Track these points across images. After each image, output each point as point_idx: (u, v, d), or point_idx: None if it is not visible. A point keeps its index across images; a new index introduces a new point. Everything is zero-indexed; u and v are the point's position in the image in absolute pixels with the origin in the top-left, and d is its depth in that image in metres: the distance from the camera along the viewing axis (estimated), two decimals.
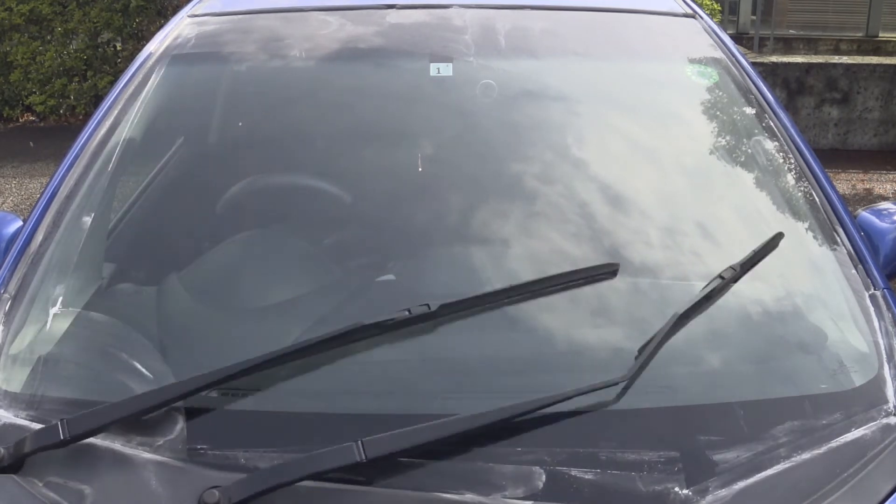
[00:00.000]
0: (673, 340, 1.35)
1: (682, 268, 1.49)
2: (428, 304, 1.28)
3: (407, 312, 1.27)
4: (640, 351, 1.25)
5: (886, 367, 1.28)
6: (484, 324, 1.35)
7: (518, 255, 1.48)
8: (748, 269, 1.41)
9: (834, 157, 6.58)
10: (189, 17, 2.09)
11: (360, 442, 1.07)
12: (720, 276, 1.37)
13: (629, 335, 1.35)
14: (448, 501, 1.06)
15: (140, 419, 1.16)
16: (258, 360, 1.18)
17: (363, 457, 1.06)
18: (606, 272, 1.40)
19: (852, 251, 1.47)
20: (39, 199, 1.58)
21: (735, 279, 1.38)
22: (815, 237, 1.53)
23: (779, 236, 1.48)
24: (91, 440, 1.14)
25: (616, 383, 1.20)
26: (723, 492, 1.08)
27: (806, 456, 1.14)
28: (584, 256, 1.47)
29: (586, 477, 1.09)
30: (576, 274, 1.38)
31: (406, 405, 1.25)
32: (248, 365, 1.17)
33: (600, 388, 1.18)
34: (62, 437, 1.10)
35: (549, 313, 1.37)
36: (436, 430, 1.11)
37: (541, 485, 1.08)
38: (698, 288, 1.45)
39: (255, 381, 1.28)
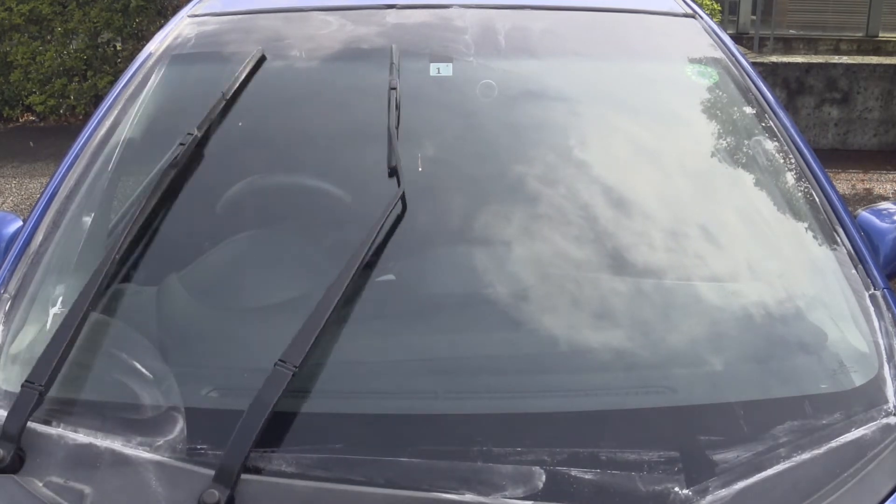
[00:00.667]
0: (673, 341, 1.36)
1: (682, 268, 1.49)
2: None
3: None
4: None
5: (886, 367, 1.28)
6: (486, 325, 1.35)
7: (518, 255, 1.48)
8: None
9: (834, 157, 6.58)
10: (189, 17, 2.08)
11: (279, 360, 1.12)
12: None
13: (629, 335, 1.35)
14: (448, 501, 1.06)
15: (139, 415, 1.17)
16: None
17: (293, 368, 1.11)
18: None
19: (852, 251, 1.47)
20: (39, 199, 1.58)
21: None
22: (815, 237, 1.53)
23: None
24: (91, 440, 1.14)
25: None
26: (723, 492, 1.08)
27: (806, 456, 1.14)
28: (584, 256, 1.47)
29: (586, 477, 1.09)
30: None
31: (407, 406, 1.25)
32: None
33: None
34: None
35: (551, 315, 1.37)
36: (327, 308, 1.17)
37: (541, 485, 1.08)
38: (698, 287, 1.45)
39: (255, 382, 1.28)
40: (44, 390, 1.14)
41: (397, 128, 1.62)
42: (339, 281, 1.28)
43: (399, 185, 1.48)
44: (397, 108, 1.64)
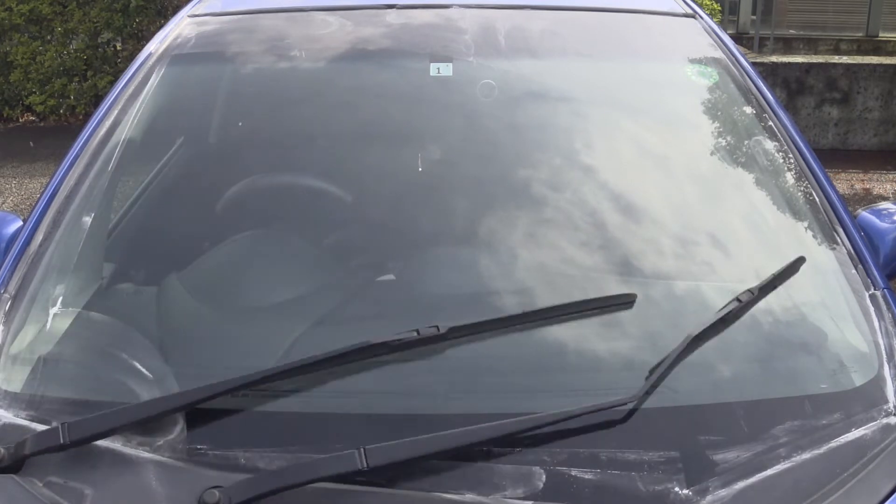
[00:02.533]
0: (673, 341, 1.35)
1: (682, 267, 1.49)
2: (437, 326, 1.25)
3: (416, 333, 1.24)
4: (652, 371, 1.23)
5: (886, 367, 1.28)
6: (492, 341, 1.35)
7: (518, 255, 1.48)
8: (767, 293, 1.37)
9: (834, 157, 6.58)
10: (189, 17, 2.08)
11: (362, 450, 1.07)
12: (737, 300, 1.34)
13: (636, 347, 1.35)
14: (448, 501, 1.06)
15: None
16: (254, 376, 1.17)
17: (365, 465, 1.06)
18: (623, 303, 1.35)
19: (852, 251, 1.46)
20: (39, 199, 1.58)
21: (752, 302, 1.35)
22: (815, 237, 1.53)
23: (800, 261, 1.44)
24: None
25: (624, 404, 1.18)
26: (723, 492, 1.08)
27: (806, 456, 1.13)
28: (584, 257, 1.47)
29: (586, 477, 1.09)
30: (592, 303, 1.34)
31: (406, 406, 1.25)
32: (245, 381, 1.16)
33: (607, 409, 1.16)
34: (62, 442, 1.10)
35: (558, 330, 1.37)
36: (438, 442, 1.10)
37: (541, 485, 1.08)
38: (698, 287, 1.45)
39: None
40: (70, 445, 1.11)
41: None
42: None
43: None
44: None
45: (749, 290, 1.35)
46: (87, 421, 1.13)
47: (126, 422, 1.14)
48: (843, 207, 1.56)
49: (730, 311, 1.35)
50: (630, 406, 1.19)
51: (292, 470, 1.07)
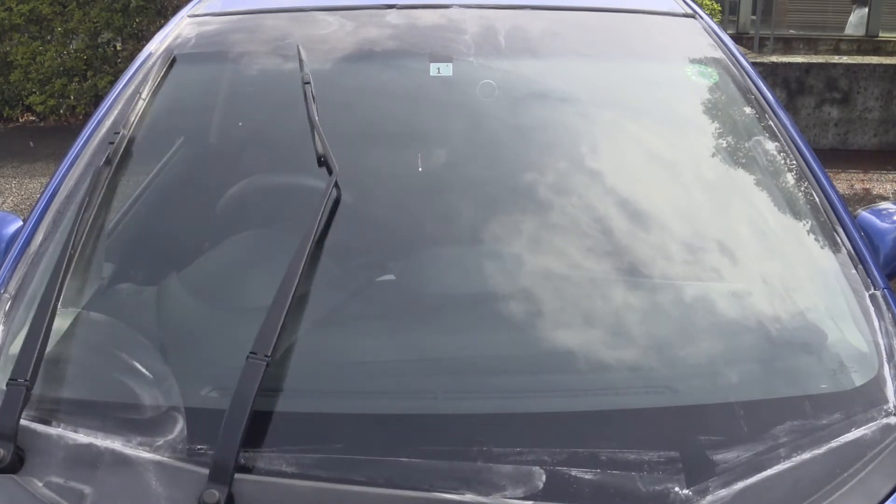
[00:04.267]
0: (674, 341, 1.35)
1: (682, 267, 1.49)
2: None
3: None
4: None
5: (886, 367, 1.28)
6: (486, 325, 1.35)
7: (518, 255, 1.48)
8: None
9: (834, 157, 6.58)
10: (189, 17, 2.09)
11: (250, 353, 1.12)
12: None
13: (629, 335, 1.35)
14: (448, 501, 1.06)
15: (139, 415, 1.17)
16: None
17: (266, 358, 1.11)
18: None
19: (852, 251, 1.46)
20: (39, 199, 1.58)
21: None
22: (815, 237, 1.53)
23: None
24: (91, 440, 1.14)
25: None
26: (723, 492, 1.08)
27: (806, 456, 1.14)
28: (583, 256, 1.47)
29: (586, 477, 1.09)
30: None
31: (406, 406, 1.25)
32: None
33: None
34: (24, 386, 1.13)
35: (551, 315, 1.37)
36: (287, 295, 1.16)
37: (541, 485, 1.08)
38: (698, 287, 1.45)
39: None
40: (30, 385, 1.14)
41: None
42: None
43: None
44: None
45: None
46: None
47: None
48: (843, 207, 1.56)
49: (729, 311, 1.35)
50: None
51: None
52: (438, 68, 1.83)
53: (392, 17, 2.01)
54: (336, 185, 1.44)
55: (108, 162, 1.63)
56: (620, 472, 1.10)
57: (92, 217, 1.55)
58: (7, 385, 1.15)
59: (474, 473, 1.10)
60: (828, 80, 6.83)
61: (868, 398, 1.23)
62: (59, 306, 1.29)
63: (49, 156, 6.82)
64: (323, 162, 1.47)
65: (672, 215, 1.59)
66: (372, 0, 2.12)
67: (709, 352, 1.35)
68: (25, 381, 1.14)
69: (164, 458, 1.12)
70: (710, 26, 2.06)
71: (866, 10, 9.91)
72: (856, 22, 10.05)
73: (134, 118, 1.73)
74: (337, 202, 1.50)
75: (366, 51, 1.91)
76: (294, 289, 1.22)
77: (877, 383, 1.26)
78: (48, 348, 1.32)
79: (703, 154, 1.77)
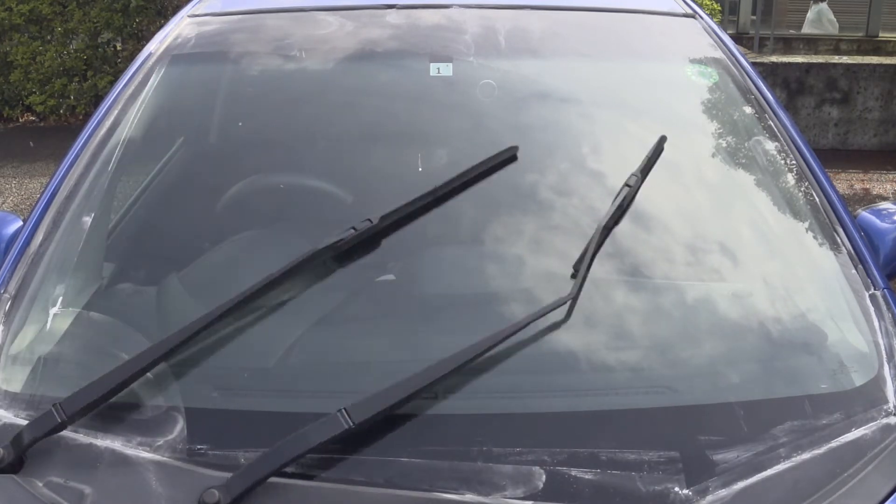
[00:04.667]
0: (673, 341, 1.35)
1: (682, 267, 1.49)
2: (370, 219, 1.41)
3: (353, 230, 1.39)
4: (576, 268, 1.35)
5: (886, 367, 1.28)
6: (486, 325, 1.35)
7: (518, 255, 1.48)
8: (647, 174, 1.56)
9: (834, 157, 6.58)
10: (189, 17, 2.09)
11: (343, 409, 1.09)
12: (626, 185, 1.50)
13: (629, 335, 1.35)
14: (448, 501, 1.06)
15: (139, 415, 1.16)
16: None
17: (350, 423, 1.08)
18: (507, 157, 1.57)
19: (852, 251, 1.46)
20: (39, 199, 1.58)
21: (639, 186, 1.52)
22: (815, 237, 1.53)
23: (662, 139, 1.64)
24: (91, 440, 1.14)
25: (564, 303, 1.29)
26: (723, 492, 1.08)
27: (806, 456, 1.14)
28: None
29: (586, 477, 1.09)
30: (480, 166, 1.54)
31: (406, 406, 1.25)
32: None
33: (549, 311, 1.28)
34: (59, 421, 1.11)
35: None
36: (416, 381, 1.14)
37: (541, 485, 1.08)
38: (698, 287, 1.45)
39: (255, 382, 1.28)
40: (68, 422, 1.13)
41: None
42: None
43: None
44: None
45: (634, 175, 1.53)
46: (78, 394, 1.14)
47: (116, 383, 1.16)
48: (843, 207, 1.56)
49: (729, 311, 1.35)
50: (567, 305, 1.29)
51: (282, 451, 1.06)
52: (438, 68, 1.83)
53: (392, 17, 2.01)
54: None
55: (108, 162, 1.63)
56: (620, 472, 1.10)
57: (92, 217, 1.55)
58: (53, 406, 1.14)
59: (474, 473, 1.10)
60: (828, 80, 6.83)
61: (868, 398, 1.23)
62: (59, 306, 1.29)
63: (49, 156, 6.82)
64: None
65: (672, 215, 1.59)
66: (372, 0, 2.12)
67: (709, 352, 1.35)
68: (66, 417, 1.13)
69: (165, 458, 1.12)
70: (710, 26, 2.06)
71: (823, 5, 9.94)
72: (813, 18, 10.09)
73: (134, 118, 1.73)
74: (338, 203, 1.50)
75: (366, 51, 1.91)
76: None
77: (877, 383, 1.26)
78: (48, 348, 1.33)
79: (702, 154, 1.77)
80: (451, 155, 1.73)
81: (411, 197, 1.49)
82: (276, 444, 1.09)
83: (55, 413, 1.12)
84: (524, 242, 1.51)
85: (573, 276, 1.35)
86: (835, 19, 10.08)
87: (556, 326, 1.36)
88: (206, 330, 1.28)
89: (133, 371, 1.18)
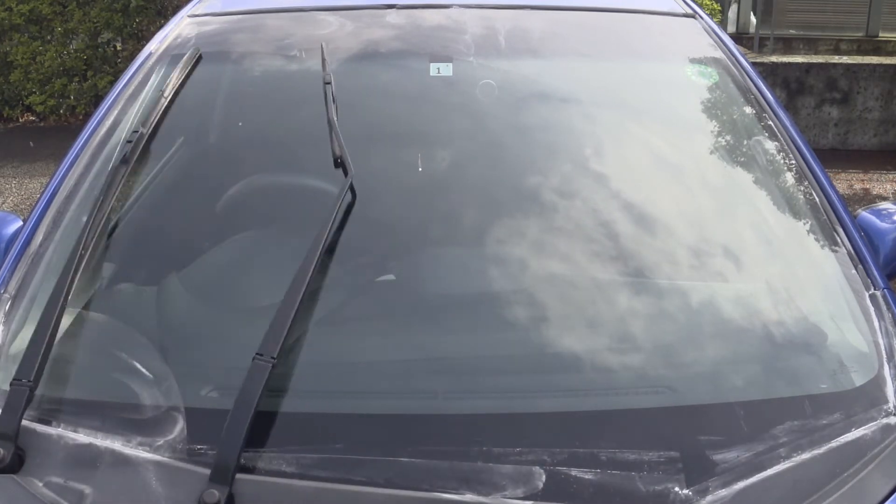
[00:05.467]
0: (673, 341, 1.35)
1: (682, 267, 1.49)
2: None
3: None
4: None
5: (886, 367, 1.28)
6: (486, 325, 1.35)
7: (518, 255, 1.48)
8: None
9: (834, 157, 6.58)
10: (189, 17, 2.09)
11: (256, 354, 1.12)
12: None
13: (629, 335, 1.35)
14: (448, 501, 1.06)
15: (139, 415, 1.17)
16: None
17: (272, 360, 1.12)
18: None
19: (852, 251, 1.46)
20: (39, 199, 1.58)
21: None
22: (815, 237, 1.53)
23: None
24: (91, 440, 1.14)
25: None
26: (723, 492, 1.08)
27: (806, 456, 1.14)
28: (582, 255, 1.47)
29: (586, 477, 1.09)
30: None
31: (407, 406, 1.25)
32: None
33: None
34: (28, 387, 1.13)
35: (551, 315, 1.37)
36: (295, 299, 1.18)
37: (541, 485, 1.08)
38: (698, 287, 1.45)
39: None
40: (33, 385, 1.14)
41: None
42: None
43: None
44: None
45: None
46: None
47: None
48: (843, 207, 1.56)
49: (729, 311, 1.35)
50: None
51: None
52: (438, 68, 1.83)
53: (392, 17, 2.02)
54: (351, 187, 1.45)
55: (108, 162, 1.63)
56: (620, 472, 1.10)
57: (92, 217, 1.55)
58: (11, 385, 1.15)
59: (474, 473, 1.10)
60: (828, 80, 6.83)
61: (868, 398, 1.23)
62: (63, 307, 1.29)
63: (49, 156, 6.81)
64: (339, 163, 1.48)
65: (671, 215, 1.59)
66: (372, 0, 2.12)
67: (708, 352, 1.35)
68: (29, 381, 1.14)
69: (164, 458, 1.12)
70: (710, 26, 2.06)
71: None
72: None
73: (134, 118, 1.73)
74: (344, 203, 1.50)
75: (366, 51, 1.91)
76: (304, 290, 1.22)
77: (877, 383, 1.26)
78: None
79: (702, 154, 1.77)
80: (452, 155, 1.73)
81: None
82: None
83: (16, 387, 1.13)
84: (523, 242, 1.51)
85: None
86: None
87: (556, 326, 1.36)
88: (207, 329, 1.28)
89: (57, 309, 1.21)
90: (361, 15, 2.07)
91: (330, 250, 1.42)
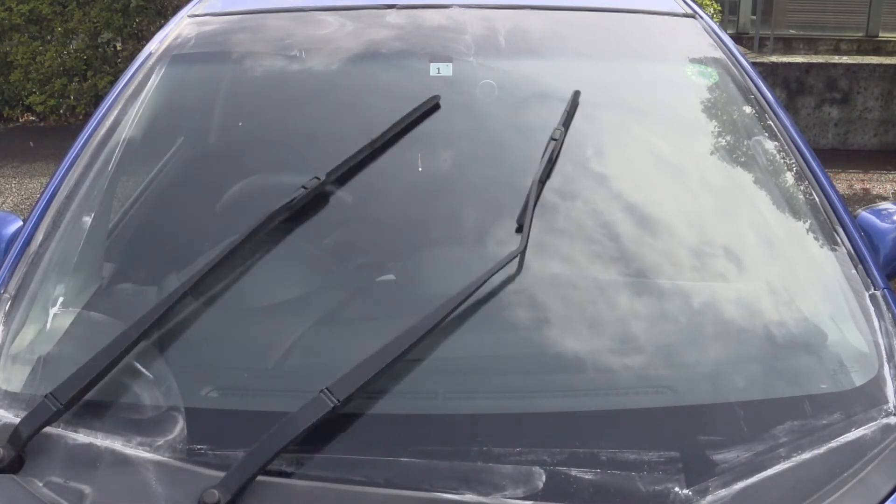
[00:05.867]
0: (673, 341, 1.35)
1: (682, 267, 1.49)
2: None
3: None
4: (520, 222, 1.40)
5: (886, 367, 1.28)
6: (486, 325, 1.35)
7: (518, 255, 1.48)
8: (569, 127, 1.62)
9: (834, 157, 6.58)
10: (189, 17, 2.09)
11: (325, 389, 1.11)
12: (552, 139, 1.59)
13: (629, 335, 1.35)
14: (448, 501, 1.06)
15: (139, 415, 1.16)
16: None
17: (336, 401, 1.10)
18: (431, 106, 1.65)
19: (852, 251, 1.46)
20: (39, 199, 1.58)
21: (564, 138, 1.59)
22: (815, 237, 1.53)
23: (577, 94, 1.73)
24: (91, 440, 1.14)
25: (514, 257, 1.35)
26: (723, 492, 1.08)
27: (806, 456, 1.14)
28: (584, 255, 1.47)
29: (586, 477, 1.09)
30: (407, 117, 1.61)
31: (405, 405, 1.25)
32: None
33: (501, 266, 1.33)
34: (54, 409, 1.12)
35: (551, 315, 1.37)
36: (393, 350, 1.17)
37: (541, 485, 1.08)
38: (698, 287, 1.45)
39: (255, 382, 1.28)
40: (63, 409, 1.14)
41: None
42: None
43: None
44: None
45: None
46: (69, 381, 1.15)
47: (104, 365, 1.17)
48: (843, 207, 1.56)
49: (729, 311, 1.34)
50: (517, 257, 1.33)
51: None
52: (438, 68, 1.83)
53: (392, 17, 2.02)
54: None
55: (108, 162, 1.63)
56: (620, 472, 1.10)
57: (92, 217, 1.55)
58: (45, 398, 1.15)
59: (474, 473, 1.10)
60: (828, 80, 6.83)
61: (868, 398, 1.23)
62: (59, 306, 1.29)
63: (49, 156, 6.81)
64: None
65: (671, 215, 1.59)
66: (372, 0, 2.12)
67: (709, 352, 1.35)
68: (62, 405, 1.14)
69: (164, 458, 1.12)
70: (710, 26, 2.06)
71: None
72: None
73: (134, 118, 1.73)
74: (338, 204, 1.50)
75: (366, 51, 1.91)
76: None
77: (877, 383, 1.26)
78: (48, 348, 1.33)
79: (702, 154, 1.77)
80: (451, 155, 1.73)
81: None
82: (274, 442, 1.09)
83: (49, 403, 1.12)
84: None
85: (517, 230, 1.43)
86: None
87: (556, 326, 1.36)
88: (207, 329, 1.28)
89: (120, 350, 1.19)
90: (361, 15, 2.07)
91: (328, 250, 1.42)
